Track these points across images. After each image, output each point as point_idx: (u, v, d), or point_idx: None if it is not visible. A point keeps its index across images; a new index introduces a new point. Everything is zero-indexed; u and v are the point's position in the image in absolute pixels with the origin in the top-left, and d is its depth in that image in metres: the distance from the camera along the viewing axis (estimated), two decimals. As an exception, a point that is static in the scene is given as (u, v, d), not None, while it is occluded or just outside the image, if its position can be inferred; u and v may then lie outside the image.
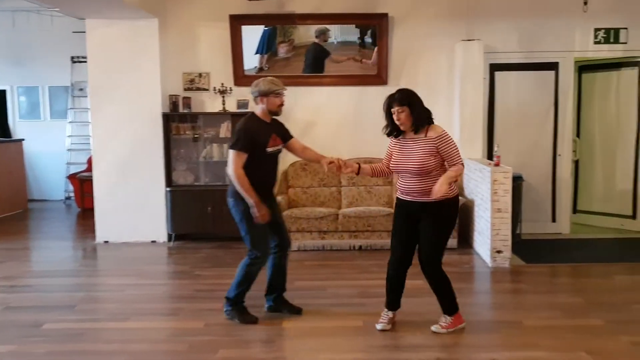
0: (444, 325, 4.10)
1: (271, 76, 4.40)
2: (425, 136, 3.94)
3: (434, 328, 4.10)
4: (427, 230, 4.02)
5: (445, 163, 3.97)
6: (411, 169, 3.96)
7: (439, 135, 3.91)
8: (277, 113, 4.29)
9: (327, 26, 6.93)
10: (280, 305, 4.51)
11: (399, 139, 4.07)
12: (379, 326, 4.15)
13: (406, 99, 3.94)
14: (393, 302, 4.21)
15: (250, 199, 4.10)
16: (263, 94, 4.20)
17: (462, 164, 3.94)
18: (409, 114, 3.92)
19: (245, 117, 4.31)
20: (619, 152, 7.29)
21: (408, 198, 4.05)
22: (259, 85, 4.22)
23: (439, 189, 3.84)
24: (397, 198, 4.18)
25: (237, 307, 4.35)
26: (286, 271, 4.51)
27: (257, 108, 4.28)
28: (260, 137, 4.19)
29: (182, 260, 6.24)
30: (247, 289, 4.36)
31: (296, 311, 4.50)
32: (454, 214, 4.08)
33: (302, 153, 4.51)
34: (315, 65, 7.01)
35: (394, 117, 3.97)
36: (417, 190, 3.98)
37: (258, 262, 4.27)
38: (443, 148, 3.90)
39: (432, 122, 4.00)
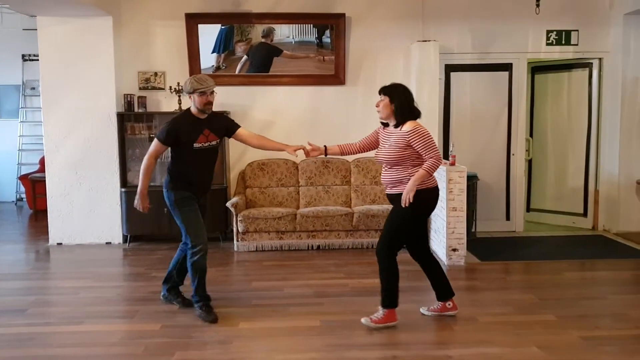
0: (373, 319, 4.16)
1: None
2: (400, 130, 4.06)
3: (363, 320, 4.17)
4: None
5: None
6: (382, 159, 4.17)
7: (411, 129, 4.01)
8: (205, 111, 4.32)
9: (274, 26, 6.92)
10: (174, 297, 4.64)
11: (384, 129, 4.23)
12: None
13: (388, 90, 4.14)
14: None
15: (139, 185, 4.38)
16: (189, 92, 4.29)
17: (437, 158, 3.99)
18: (387, 104, 4.09)
19: (182, 111, 4.40)
20: (570, 152, 7.49)
21: (386, 190, 4.23)
22: (186, 83, 4.33)
23: (407, 190, 4.00)
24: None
25: (205, 303, 4.39)
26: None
27: (191, 105, 4.36)
28: (185, 133, 4.28)
29: (137, 262, 6.15)
30: (203, 281, 4.42)
31: (187, 304, 4.58)
32: (408, 208, 4.07)
33: (256, 142, 4.58)
34: (264, 65, 6.97)
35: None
36: (387, 180, 4.17)
37: (199, 252, 4.33)
38: (415, 142, 4.00)
39: (414, 119, 4.09)
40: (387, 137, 4.17)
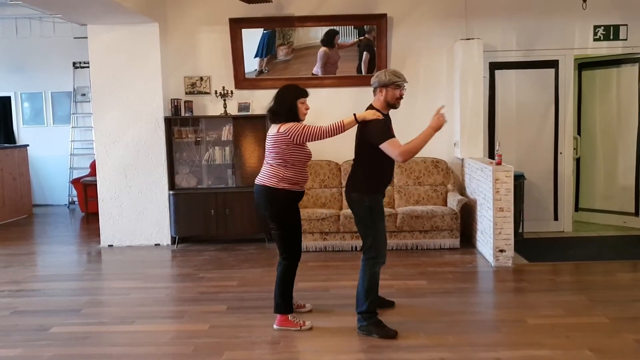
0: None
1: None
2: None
3: None
4: None
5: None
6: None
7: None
8: (395, 105, 4.14)
9: (317, 28, 6.98)
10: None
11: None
12: None
13: None
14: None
15: (426, 138, 4.00)
16: (383, 85, 4.08)
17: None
18: None
19: (370, 112, 4.10)
20: (620, 149, 7.30)
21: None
22: (379, 75, 4.12)
23: None
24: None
25: (372, 320, 4.11)
26: None
27: (375, 100, 4.17)
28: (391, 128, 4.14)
29: (186, 263, 6.26)
30: (376, 296, 4.20)
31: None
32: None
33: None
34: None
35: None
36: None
37: (378, 263, 4.13)
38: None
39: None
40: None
